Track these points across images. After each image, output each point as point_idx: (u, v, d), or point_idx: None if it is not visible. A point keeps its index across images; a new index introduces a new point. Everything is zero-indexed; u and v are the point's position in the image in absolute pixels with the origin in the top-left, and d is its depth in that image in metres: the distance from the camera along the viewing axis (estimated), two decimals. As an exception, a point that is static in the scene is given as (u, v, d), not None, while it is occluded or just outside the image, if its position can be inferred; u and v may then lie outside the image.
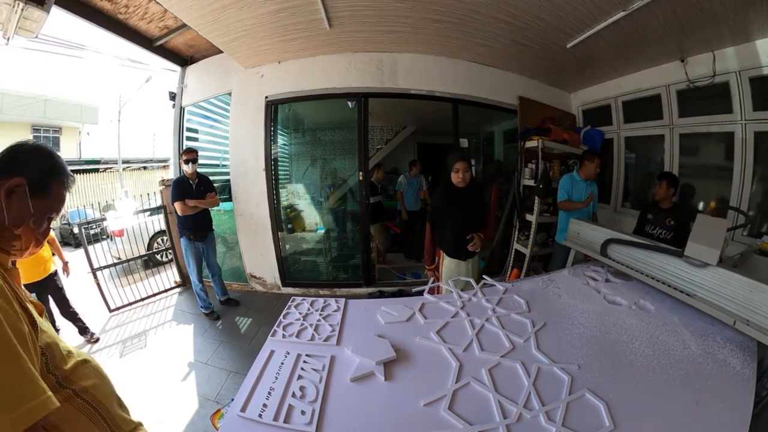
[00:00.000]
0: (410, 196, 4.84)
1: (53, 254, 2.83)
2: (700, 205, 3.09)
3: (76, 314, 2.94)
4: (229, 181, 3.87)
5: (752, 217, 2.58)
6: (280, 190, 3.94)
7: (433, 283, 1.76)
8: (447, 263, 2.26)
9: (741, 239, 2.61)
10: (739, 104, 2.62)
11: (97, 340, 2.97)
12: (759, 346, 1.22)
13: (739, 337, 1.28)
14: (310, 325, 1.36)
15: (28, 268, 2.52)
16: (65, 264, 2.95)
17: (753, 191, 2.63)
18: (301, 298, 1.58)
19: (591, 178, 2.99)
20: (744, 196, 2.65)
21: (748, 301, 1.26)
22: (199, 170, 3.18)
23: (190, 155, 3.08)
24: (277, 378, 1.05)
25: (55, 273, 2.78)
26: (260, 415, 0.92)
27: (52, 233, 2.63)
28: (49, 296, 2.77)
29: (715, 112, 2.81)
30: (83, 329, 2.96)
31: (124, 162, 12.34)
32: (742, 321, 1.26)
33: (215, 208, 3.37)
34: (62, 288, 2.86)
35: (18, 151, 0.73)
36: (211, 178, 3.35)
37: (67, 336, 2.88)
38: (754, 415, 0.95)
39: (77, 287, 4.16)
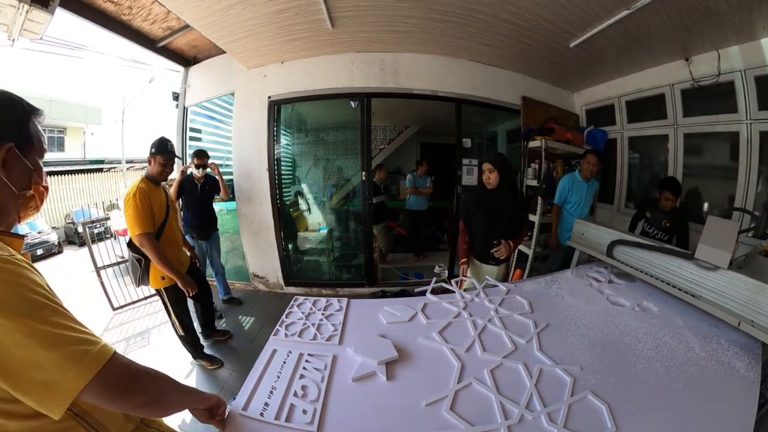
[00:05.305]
0: (416, 196, 4.87)
1: None
2: (704, 210, 3.07)
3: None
4: (232, 180, 3.89)
5: (758, 218, 2.56)
6: (283, 190, 3.95)
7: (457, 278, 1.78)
8: (475, 263, 2.29)
9: (745, 240, 2.59)
10: (745, 103, 2.59)
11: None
12: (763, 348, 1.21)
13: (743, 339, 1.27)
14: (313, 324, 1.36)
15: None
16: None
17: (758, 191, 2.61)
18: (304, 297, 1.58)
19: (589, 177, 2.97)
20: (749, 196, 2.63)
21: (753, 302, 1.26)
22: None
23: (201, 161, 3.02)
24: (279, 377, 1.06)
25: None
26: (262, 414, 0.92)
27: None
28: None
29: (720, 111, 2.78)
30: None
31: (127, 162, 12.43)
32: (747, 322, 1.25)
33: (218, 207, 3.38)
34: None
35: None
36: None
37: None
38: (758, 418, 0.94)
39: (81, 286, 4.20)
